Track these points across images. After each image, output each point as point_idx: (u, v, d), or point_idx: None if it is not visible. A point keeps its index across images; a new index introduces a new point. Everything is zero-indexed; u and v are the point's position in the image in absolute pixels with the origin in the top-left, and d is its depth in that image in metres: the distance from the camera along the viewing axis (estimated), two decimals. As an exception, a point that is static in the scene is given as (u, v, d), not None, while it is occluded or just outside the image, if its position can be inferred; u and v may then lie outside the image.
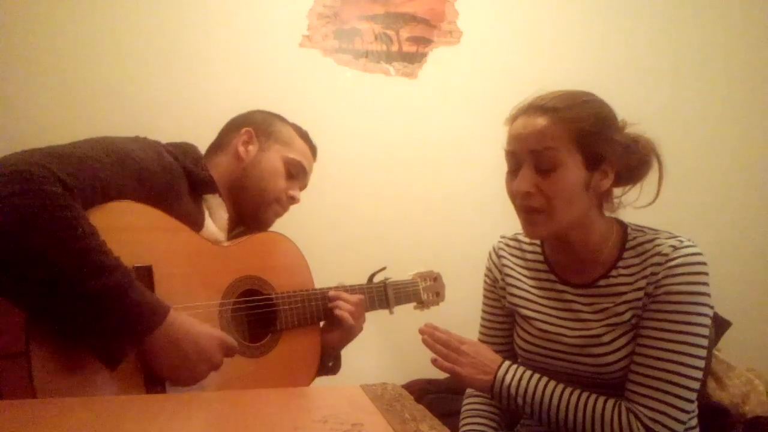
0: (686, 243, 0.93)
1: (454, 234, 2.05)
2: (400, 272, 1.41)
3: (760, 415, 1.58)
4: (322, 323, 1.22)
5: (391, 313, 1.33)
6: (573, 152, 0.92)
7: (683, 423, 0.89)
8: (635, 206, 1.00)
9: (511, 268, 1.13)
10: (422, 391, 1.78)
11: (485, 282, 1.19)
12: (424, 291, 1.43)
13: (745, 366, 1.73)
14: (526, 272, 1.11)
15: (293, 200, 1.19)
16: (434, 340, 1.02)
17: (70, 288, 0.75)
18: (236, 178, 1.14)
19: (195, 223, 1.03)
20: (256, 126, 1.18)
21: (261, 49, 1.96)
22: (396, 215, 2.04)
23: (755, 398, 1.60)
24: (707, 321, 0.90)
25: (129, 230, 0.88)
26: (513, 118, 0.99)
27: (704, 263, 0.91)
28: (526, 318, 1.07)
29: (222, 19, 1.94)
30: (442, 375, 1.87)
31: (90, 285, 0.75)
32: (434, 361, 1.01)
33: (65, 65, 1.84)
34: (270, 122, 1.20)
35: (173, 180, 1.00)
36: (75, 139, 0.92)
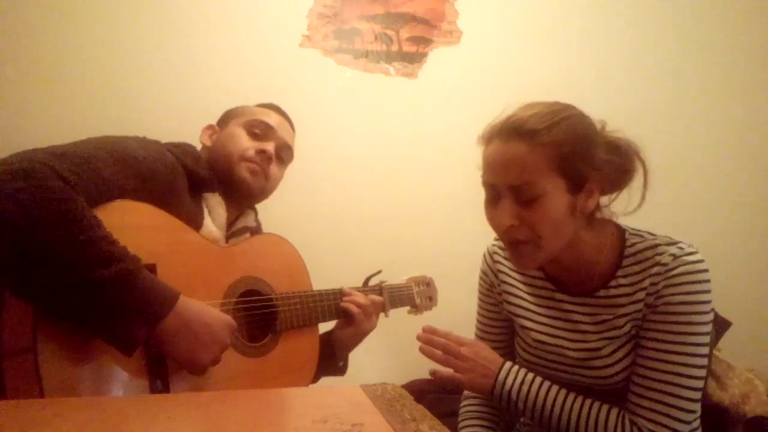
0: (687, 250, 0.89)
1: (454, 235, 2.05)
2: (395, 275, 1.42)
3: (760, 415, 1.57)
4: (335, 321, 1.24)
5: (387, 316, 1.33)
6: (554, 178, 0.87)
7: None
8: (624, 213, 0.97)
9: (507, 274, 1.10)
10: (422, 391, 1.78)
11: (481, 285, 1.16)
12: (417, 295, 1.44)
13: (745, 366, 1.73)
14: (522, 278, 1.07)
15: (264, 153, 1.14)
16: (433, 345, 0.99)
17: (81, 278, 0.75)
18: (209, 163, 1.13)
19: (194, 221, 1.04)
20: (218, 120, 1.23)
21: (261, 49, 1.96)
22: (396, 215, 2.04)
23: (755, 398, 1.59)
24: (708, 329, 0.88)
25: (131, 229, 0.88)
26: (487, 140, 0.93)
27: (705, 270, 0.88)
28: (524, 328, 1.05)
29: (222, 19, 1.94)
30: (442, 375, 1.88)
31: (100, 274, 0.76)
32: (433, 374, 0.99)
33: (65, 65, 1.84)
34: (230, 111, 1.23)
35: (175, 179, 1.00)
36: (76, 138, 0.92)
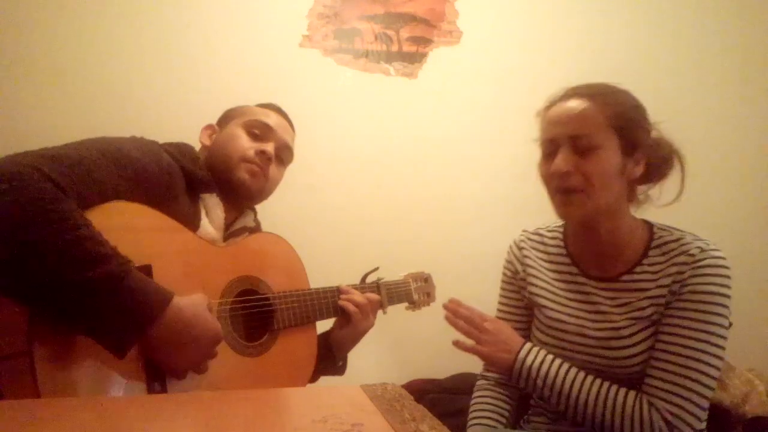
0: (713, 246, 0.95)
1: (453, 233, 2.05)
2: (394, 272, 1.41)
3: (760, 415, 1.57)
4: (333, 320, 1.23)
5: (385, 312, 1.33)
6: (611, 136, 0.95)
7: (700, 420, 0.90)
8: (656, 205, 1.03)
9: (533, 260, 1.14)
10: (422, 391, 1.78)
11: (504, 274, 1.21)
12: (415, 291, 1.43)
13: (745, 366, 1.73)
14: (547, 265, 1.12)
15: (264, 154, 1.13)
16: (457, 316, 1.04)
17: (69, 279, 0.75)
18: (208, 163, 1.12)
19: (191, 222, 1.03)
20: (218, 120, 1.23)
21: (261, 49, 1.96)
22: (395, 215, 2.04)
23: (755, 398, 1.59)
24: (726, 323, 0.92)
25: (127, 230, 0.88)
26: (548, 106, 1.02)
27: (728, 267, 0.93)
28: (545, 309, 1.08)
29: (222, 19, 1.94)
30: (442, 375, 1.88)
31: (88, 275, 0.75)
32: (456, 343, 1.03)
33: (64, 65, 1.84)
34: (230, 110, 1.23)
35: (171, 180, 1.00)
36: (73, 139, 0.92)
